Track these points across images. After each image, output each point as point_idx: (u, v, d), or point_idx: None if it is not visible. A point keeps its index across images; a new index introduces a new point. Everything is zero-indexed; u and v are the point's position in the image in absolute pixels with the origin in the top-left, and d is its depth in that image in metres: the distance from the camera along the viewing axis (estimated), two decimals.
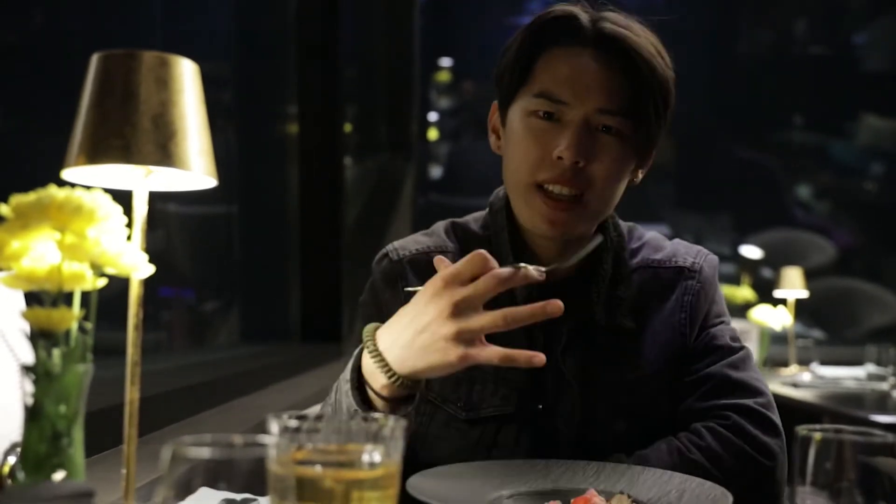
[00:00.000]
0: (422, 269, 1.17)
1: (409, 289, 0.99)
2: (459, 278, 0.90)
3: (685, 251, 1.22)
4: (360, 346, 0.98)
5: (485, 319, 0.88)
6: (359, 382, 0.96)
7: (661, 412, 1.15)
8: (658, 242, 1.24)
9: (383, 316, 1.14)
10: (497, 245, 1.18)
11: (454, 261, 1.12)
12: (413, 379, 0.92)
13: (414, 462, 1.01)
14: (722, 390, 1.13)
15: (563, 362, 1.14)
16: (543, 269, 0.94)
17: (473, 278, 0.90)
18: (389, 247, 1.23)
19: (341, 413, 0.98)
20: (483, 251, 0.91)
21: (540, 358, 0.89)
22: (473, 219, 1.26)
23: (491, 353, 0.89)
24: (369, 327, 0.97)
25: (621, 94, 1.08)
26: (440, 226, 1.26)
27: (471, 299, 0.88)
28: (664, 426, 1.14)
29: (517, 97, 1.12)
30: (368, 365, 0.94)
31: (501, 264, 1.10)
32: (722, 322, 1.21)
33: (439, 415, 1.16)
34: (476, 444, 1.13)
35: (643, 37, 1.10)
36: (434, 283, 0.91)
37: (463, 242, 1.22)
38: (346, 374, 0.98)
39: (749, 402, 1.12)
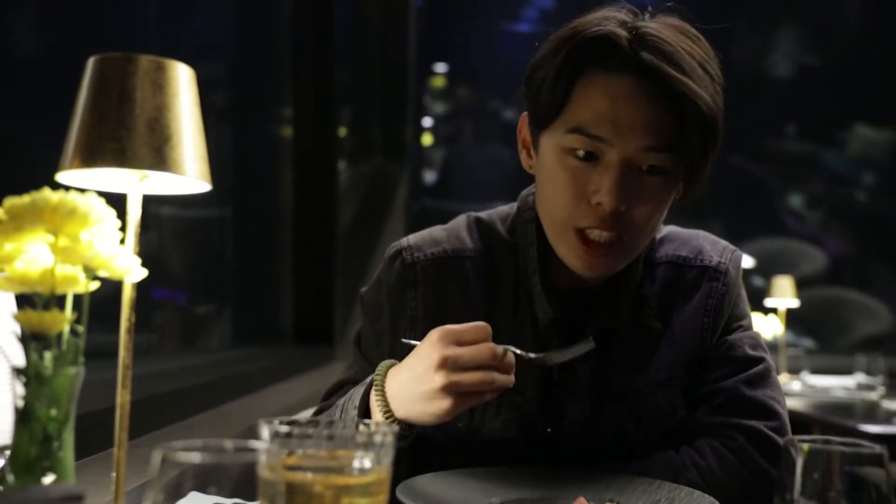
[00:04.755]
0: (435, 276, 1.13)
1: (405, 340, 1.03)
2: (457, 338, 0.92)
3: (711, 248, 1.16)
4: (371, 377, 1.00)
5: (474, 377, 0.90)
6: (365, 411, 0.99)
7: (673, 418, 1.11)
8: (683, 236, 1.18)
9: (384, 319, 1.15)
10: (524, 259, 1.12)
11: (474, 265, 1.14)
12: (407, 423, 0.95)
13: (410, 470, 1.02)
14: (733, 407, 1.09)
15: (580, 363, 1.10)
16: (534, 356, 0.97)
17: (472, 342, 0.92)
18: (404, 242, 1.17)
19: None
20: (487, 326, 0.93)
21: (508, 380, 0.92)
22: (500, 218, 1.18)
23: (473, 399, 0.92)
24: (384, 364, 0.99)
25: (666, 129, 0.99)
26: (461, 222, 1.19)
27: (460, 360, 0.90)
28: (675, 432, 1.11)
29: (553, 125, 1.03)
30: (373, 400, 0.97)
31: (526, 278, 1.12)
32: (741, 327, 1.16)
33: (439, 434, 1.12)
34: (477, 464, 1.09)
35: (690, 57, 0.99)
36: (431, 335, 0.93)
37: (487, 244, 1.15)
38: (356, 400, 1.00)
39: (759, 424, 1.07)
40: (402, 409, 0.94)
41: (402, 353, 1.04)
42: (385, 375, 0.97)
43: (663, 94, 0.98)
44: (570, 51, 1.01)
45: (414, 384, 0.92)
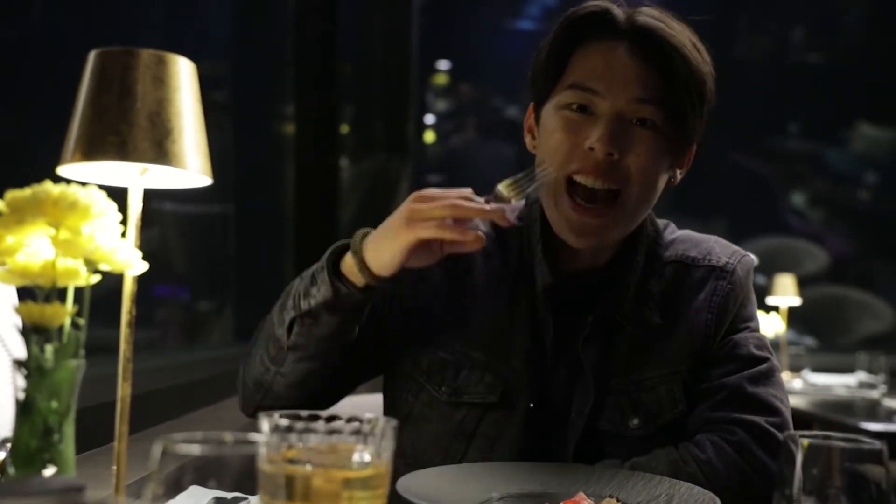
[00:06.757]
0: None
1: None
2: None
3: (721, 250, 1.19)
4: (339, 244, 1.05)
5: (434, 204, 0.96)
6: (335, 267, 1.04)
7: (674, 412, 1.12)
8: (694, 239, 1.21)
9: (406, 280, 1.17)
10: (528, 236, 1.17)
11: (488, 243, 1.16)
12: (372, 273, 1.00)
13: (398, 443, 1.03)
14: (735, 403, 1.10)
15: (583, 353, 1.12)
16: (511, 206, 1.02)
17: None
18: None
19: (294, 296, 1.06)
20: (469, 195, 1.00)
21: (478, 238, 0.97)
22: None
23: (431, 228, 0.96)
24: (361, 231, 1.05)
25: (656, 86, 1.06)
26: None
27: (425, 209, 0.97)
28: (677, 428, 1.11)
29: (551, 95, 1.10)
30: (348, 259, 1.03)
31: (530, 253, 1.16)
32: (748, 328, 1.17)
33: (423, 394, 1.14)
34: (456, 430, 1.12)
35: (679, 31, 1.09)
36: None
37: (497, 230, 1.19)
38: (323, 261, 1.04)
39: (760, 419, 1.08)
40: (370, 250, 1.00)
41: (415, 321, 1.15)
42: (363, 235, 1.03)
43: (654, 54, 1.06)
44: (569, 24, 1.10)
45: (384, 224, 1.00)
